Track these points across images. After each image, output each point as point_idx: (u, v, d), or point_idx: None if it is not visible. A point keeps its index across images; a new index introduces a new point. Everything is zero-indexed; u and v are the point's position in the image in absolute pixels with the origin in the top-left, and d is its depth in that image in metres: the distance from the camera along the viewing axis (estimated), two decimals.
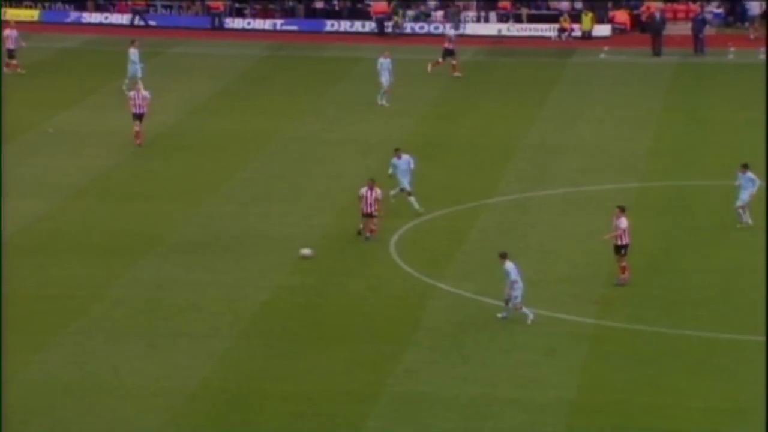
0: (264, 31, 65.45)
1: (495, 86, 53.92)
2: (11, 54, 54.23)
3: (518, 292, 30.18)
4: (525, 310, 30.29)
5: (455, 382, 27.88)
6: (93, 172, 42.10)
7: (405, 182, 37.56)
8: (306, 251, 33.33)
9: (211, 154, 44.41)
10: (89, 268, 33.94)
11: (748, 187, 36.31)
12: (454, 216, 37.92)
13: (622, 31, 64.62)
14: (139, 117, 43.93)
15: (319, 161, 43.70)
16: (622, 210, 32.81)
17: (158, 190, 40.64)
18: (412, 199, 37.54)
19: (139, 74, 50.15)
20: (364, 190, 35.39)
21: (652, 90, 53.00)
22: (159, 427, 25.89)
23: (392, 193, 37.59)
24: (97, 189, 40.66)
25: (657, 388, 27.64)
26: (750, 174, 36.44)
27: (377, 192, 35.31)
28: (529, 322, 30.21)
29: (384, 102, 49.38)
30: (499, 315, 30.46)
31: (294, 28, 65.92)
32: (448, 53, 54.56)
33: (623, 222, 32.54)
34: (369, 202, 35.22)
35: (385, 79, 49.35)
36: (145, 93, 44.18)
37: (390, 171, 37.83)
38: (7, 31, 54.69)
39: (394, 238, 35.74)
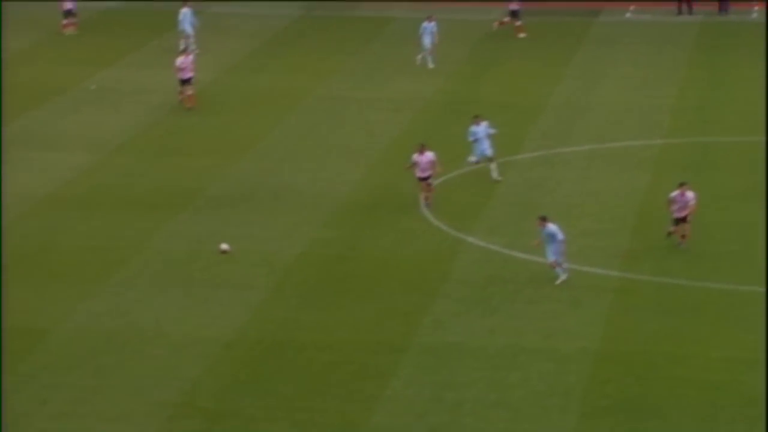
0: None
1: (522, 45, 53.58)
2: (70, 13, 53.69)
3: (563, 247, 29.87)
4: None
5: (483, 332, 27.95)
6: (133, 128, 42.21)
7: (483, 148, 36.47)
8: (224, 246, 31.59)
9: (246, 111, 44.42)
10: (130, 220, 34.12)
11: None
12: (482, 172, 37.82)
13: None
14: (187, 81, 43.09)
15: (351, 119, 43.67)
16: (686, 185, 31.77)
17: (196, 145, 40.73)
18: (492, 166, 36.54)
19: (191, 32, 49.83)
20: (415, 156, 34.45)
21: (676, 48, 52.56)
22: (197, 375, 26.09)
23: (472, 159, 36.62)
24: (138, 144, 40.79)
25: (679, 338, 27.63)
26: None
27: (429, 155, 34.40)
28: (558, 282, 29.98)
29: (430, 63, 48.84)
30: (559, 281, 29.87)
31: None
32: (513, 14, 54.10)
33: (691, 196, 31.67)
34: (423, 167, 34.33)
35: (427, 41, 48.93)
36: (190, 57, 43.37)
37: (470, 138, 36.66)
38: None
39: (424, 192, 35.66)
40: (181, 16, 50.31)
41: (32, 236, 33.05)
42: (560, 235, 29.78)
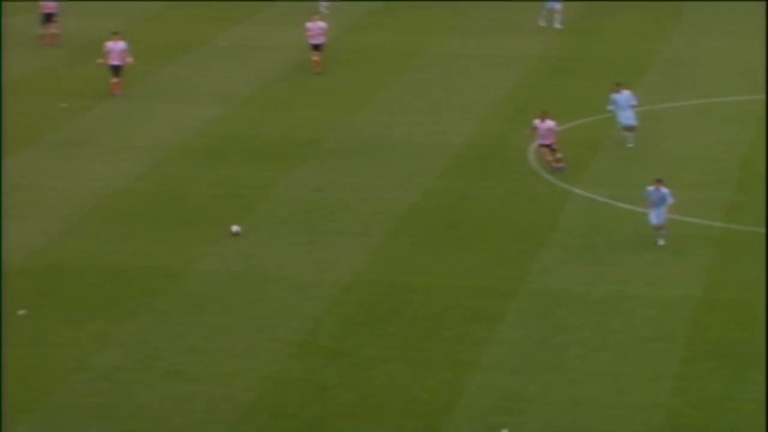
0: None
1: (630, 3, 52.55)
2: None
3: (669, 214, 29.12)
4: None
5: (588, 279, 27.72)
6: (260, 83, 42.51)
7: (624, 117, 34.99)
8: (235, 228, 29.71)
9: (365, 67, 44.40)
10: (256, 169, 34.45)
11: None
12: (589, 126, 37.35)
13: None
14: (316, 47, 42.10)
15: (464, 74, 43.41)
16: None
17: (317, 100, 40.89)
18: (629, 135, 34.98)
19: None
20: (536, 121, 33.47)
21: None
22: (317, 315, 26.35)
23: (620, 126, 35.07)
24: (264, 98, 41.10)
25: None
26: None
27: (549, 123, 33.31)
28: (659, 244, 29.24)
29: (557, 24, 47.91)
30: (660, 243, 29.11)
31: None
32: None
33: None
34: (542, 133, 33.27)
35: (556, 4, 47.97)
36: (321, 23, 42.37)
37: (610, 107, 35.37)
38: None
39: (533, 146, 35.38)
40: None
41: (166, 184, 33.60)
42: (671, 199, 29.11)
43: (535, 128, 33.82)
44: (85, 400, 22.98)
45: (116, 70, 39.70)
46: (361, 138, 37.11)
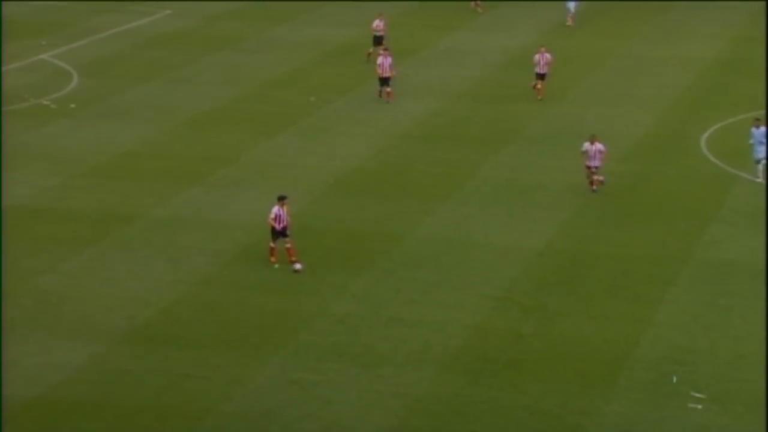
0: None
1: None
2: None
3: None
4: None
5: (752, 251, 26.70)
6: (470, 81, 42.43)
7: (761, 151, 31.24)
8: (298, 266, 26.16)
9: (559, 67, 43.63)
10: (465, 153, 34.48)
11: None
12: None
13: None
14: (541, 77, 39.59)
15: (645, 74, 42.24)
16: None
17: (518, 94, 40.53)
18: (759, 166, 31.17)
19: (572, 10, 48.88)
20: (586, 145, 30.40)
21: None
22: (514, 276, 26.27)
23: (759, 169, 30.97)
24: (473, 93, 41.02)
25: None
26: None
27: (599, 145, 30.39)
28: None
29: None
30: None
31: None
32: None
33: None
34: (591, 155, 30.30)
35: None
36: (547, 55, 39.84)
37: (751, 141, 31.81)
38: None
39: (705, 135, 34.16)
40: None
41: (391, 164, 34.04)
42: None
43: (585, 151, 30.62)
44: (325, 339, 23.62)
45: (385, 81, 39.45)
46: (555, 127, 36.62)
